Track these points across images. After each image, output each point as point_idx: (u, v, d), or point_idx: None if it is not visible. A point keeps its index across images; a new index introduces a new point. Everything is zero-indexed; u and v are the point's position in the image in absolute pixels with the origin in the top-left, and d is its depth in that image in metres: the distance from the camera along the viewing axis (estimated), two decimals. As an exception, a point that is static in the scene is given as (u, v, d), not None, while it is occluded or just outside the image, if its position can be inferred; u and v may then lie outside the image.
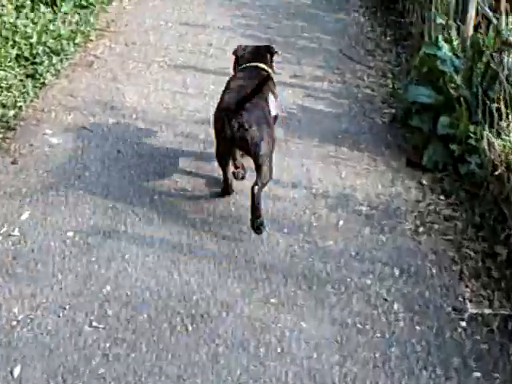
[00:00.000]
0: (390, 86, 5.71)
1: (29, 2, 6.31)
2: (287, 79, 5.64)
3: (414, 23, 6.38)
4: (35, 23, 5.98)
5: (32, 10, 6.27)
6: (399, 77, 5.86)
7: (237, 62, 4.26)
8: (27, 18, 6.07)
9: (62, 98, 5.06)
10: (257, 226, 3.64)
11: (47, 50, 5.58)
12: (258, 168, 3.67)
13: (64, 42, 5.80)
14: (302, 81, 5.66)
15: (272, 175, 3.80)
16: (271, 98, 3.97)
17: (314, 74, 5.79)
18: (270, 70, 4.13)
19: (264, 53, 4.23)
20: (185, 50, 5.96)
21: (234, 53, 4.28)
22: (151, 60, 5.75)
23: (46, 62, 5.41)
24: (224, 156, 3.82)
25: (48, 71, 5.33)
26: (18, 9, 6.20)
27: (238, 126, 3.56)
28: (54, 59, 5.48)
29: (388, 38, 6.61)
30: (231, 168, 3.95)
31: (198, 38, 6.18)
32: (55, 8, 6.46)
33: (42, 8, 6.34)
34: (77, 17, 6.44)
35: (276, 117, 4.10)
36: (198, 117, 4.94)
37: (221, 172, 3.96)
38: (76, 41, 5.90)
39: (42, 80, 5.22)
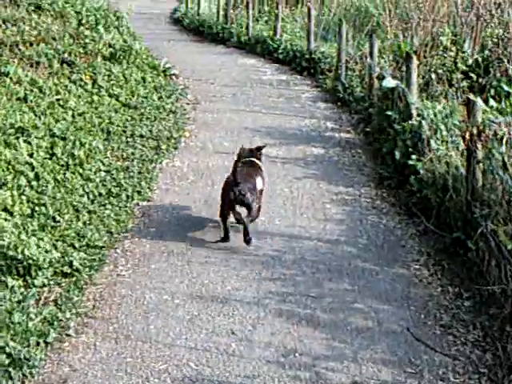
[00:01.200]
0: (488, 388, 4.05)
1: (-6, 271, 4.85)
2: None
3: (496, 279, 4.82)
4: (-6, 307, 4.45)
5: (-4, 283, 4.79)
6: (497, 372, 4.19)
7: (239, 156, 5.98)
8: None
9: None
10: (247, 240, 5.65)
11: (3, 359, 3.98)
12: (249, 212, 5.75)
13: (32, 340, 4.21)
14: (364, 393, 3.98)
15: (259, 215, 6.07)
16: (258, 178, 6.02)
17: (379, 378, 4.10)
18: (259, 163, 6.24)
19: (256, 151, 6.31)
20: (199, 341, 4.33)
21: (239, 153, 6.03)
22: (149, 369, 4.08)
23: (-1, 387, 3.79)
24: (226, 213, 5.76)
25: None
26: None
27: (238, 192, 5.66)
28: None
29: (466, 303, 4.98)
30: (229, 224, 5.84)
31: (214, 322, 4.56)
32: (28, 279, 4.97)
33: (10, 280, 4.86)
34: (57, 291, 4.92)
35: (262, 190, 6.09)
36: None
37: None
38: (48, 338, 4.30)
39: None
